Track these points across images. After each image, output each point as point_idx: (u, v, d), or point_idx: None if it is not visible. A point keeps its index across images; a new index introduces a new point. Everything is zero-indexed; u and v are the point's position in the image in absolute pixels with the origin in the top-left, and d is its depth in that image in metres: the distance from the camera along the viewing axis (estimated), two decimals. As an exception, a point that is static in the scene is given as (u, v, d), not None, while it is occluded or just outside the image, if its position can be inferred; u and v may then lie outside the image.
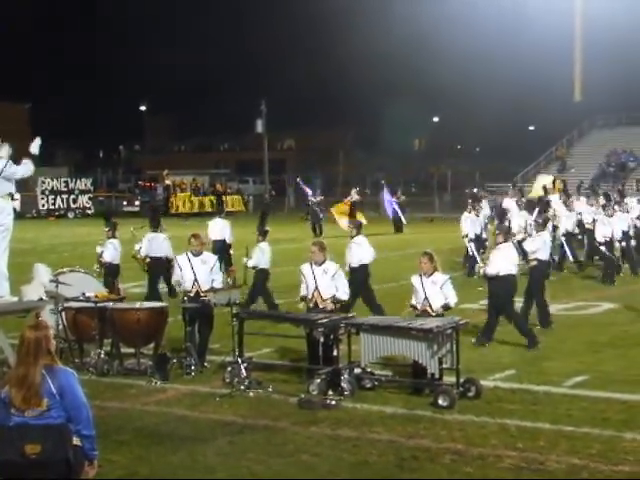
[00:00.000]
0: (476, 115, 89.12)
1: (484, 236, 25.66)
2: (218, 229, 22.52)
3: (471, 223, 24.89)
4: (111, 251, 18.98)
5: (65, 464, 6.39)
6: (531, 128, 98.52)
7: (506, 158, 79.36)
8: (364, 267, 17.17)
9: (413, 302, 12.93)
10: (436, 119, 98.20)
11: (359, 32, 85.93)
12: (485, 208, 28.38)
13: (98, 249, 19.27)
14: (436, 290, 12.69)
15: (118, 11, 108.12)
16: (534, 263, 16.57)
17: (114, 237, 19.12)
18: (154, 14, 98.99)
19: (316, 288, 13.13)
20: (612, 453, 9.58)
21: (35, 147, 13.07)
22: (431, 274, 12.81)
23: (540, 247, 16.68)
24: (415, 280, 12.90)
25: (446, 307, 12.76)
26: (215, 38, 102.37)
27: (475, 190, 35.22)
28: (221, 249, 21.28)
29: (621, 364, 13.89)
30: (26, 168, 12.72)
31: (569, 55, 70.78)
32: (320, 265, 13.22)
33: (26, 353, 6.43)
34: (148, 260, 19.15)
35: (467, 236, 24.54)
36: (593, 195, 31.90)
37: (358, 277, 16.87)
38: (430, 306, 12.68)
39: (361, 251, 17.16)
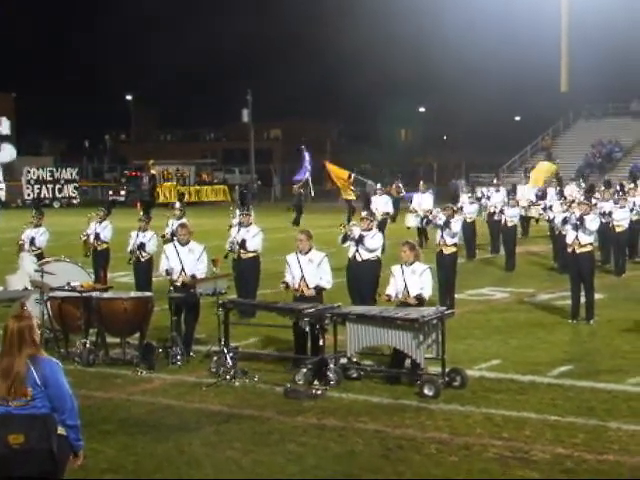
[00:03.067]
0: (462, 106, 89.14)
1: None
2: None
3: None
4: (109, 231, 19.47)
5: (49, 454, 6.37)
6: (517, 118, 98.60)
7: (492, 149, 79.41)
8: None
9: (389, 292, 12.89)
10: (422, 110, 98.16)
11: (346, 23, 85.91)
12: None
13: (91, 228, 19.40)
14: (415, 279, 12.68)
15: (104, 1, 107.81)
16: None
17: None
18: (140, 4, 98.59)
19: (302, 277, 13.13)
20: (597, 442, 9.62)
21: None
22: (412, 263, 12.80)
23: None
24: (396, 269, 12.88)
25: (419, 297, 12.59)
26: (201, 27, 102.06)
27: (458, 181, 35.46)
28: None
29: (606, 354, 13.95)
30: (9, 152, 12.62)
31: (555, 46, 70.81)
32: (306, 254, 13.22)
33: (10, 343, 6.41)
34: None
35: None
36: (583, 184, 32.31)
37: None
38: (409, 296, 12.65)
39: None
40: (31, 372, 6.36)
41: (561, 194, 27.23)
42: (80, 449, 6.59)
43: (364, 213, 16.60)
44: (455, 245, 17.75)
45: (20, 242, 18.62)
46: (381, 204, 27.39)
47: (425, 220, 20.09)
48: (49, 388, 6.40)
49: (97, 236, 19.32)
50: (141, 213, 18.88)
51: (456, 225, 17.73)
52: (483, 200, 28.94)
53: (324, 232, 23.66)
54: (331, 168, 33.75)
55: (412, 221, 27.95)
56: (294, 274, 13.23)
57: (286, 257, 13.57)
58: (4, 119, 13.55)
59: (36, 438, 6.31)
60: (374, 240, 15.74)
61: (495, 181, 31.64)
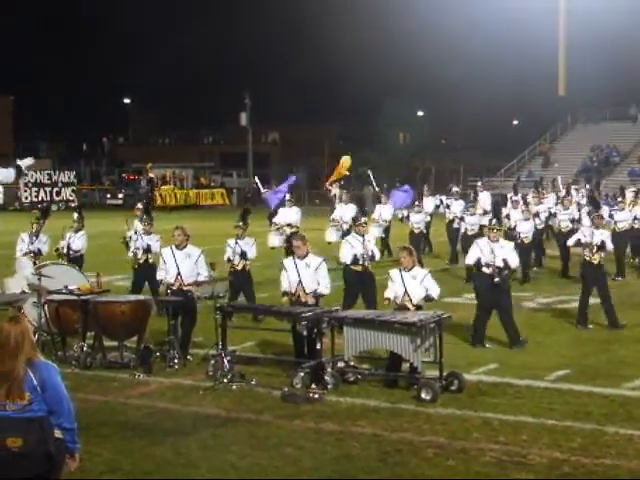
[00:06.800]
0: (460, 110, 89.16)
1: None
2: None
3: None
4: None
5: (47, 457, 6.37)
6: (515, 123, 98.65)
7: (490, 153, 79.46)
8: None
9: (389, 295, 12.92)
10: (421, 114, 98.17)
11: (345, 27, 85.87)
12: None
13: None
14: (416, 284, 12.71)
15: (102, 5, 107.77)
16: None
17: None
18: (138, 7, 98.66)
19: (299, 282, 13.13)
20: (594, 447, 9.62)
21: (25, 163, 12.88)
22: (411, 268, 12.82)
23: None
24: (394, 274, 12.90)
25: (428, 299, 12.74)
26: (200, 31, 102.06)
27: (454, 187, 34.90)
28: None
29: (603, 358, 13.96)
30: (7, 174, 12.55)
31: (553, 50, 70.86)
32: (303, 259, 13.23)
33: (7, 347, 6.39)
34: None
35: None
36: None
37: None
38: (410, 300, 12.68)
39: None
40: (29, 376, 6.36)
41: (523, 201, 26.33)
42: (76, 452, 6.59)
43: (363, 219, 16.47)
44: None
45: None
46: (385, 211, 27.36)
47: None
48: (47, 391, 6.39)
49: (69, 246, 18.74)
50: (144, 216, 18.49)
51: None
52: (441, 208, 28.71)
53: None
54: (344, 163, 33.60)
55: (374, 232, 27.38)
56: (291, 279, 13.23)
57: (283, 261, 13.61)
58: (31, 159, 13.69)
59: (34, 441, 6.31)
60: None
61: (454, 189, 30.48)
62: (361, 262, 15.75)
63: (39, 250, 17.83)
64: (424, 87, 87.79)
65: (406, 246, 13.30)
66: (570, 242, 17.71)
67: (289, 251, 23.47)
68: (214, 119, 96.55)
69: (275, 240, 24.18)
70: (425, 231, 27.22)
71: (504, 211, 25.55)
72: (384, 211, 27.57)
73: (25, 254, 17.46)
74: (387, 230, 27.65)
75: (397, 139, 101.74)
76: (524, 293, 20.49)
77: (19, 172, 12.66)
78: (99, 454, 9.32)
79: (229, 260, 16.97)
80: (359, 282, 15.88)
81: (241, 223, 16.97)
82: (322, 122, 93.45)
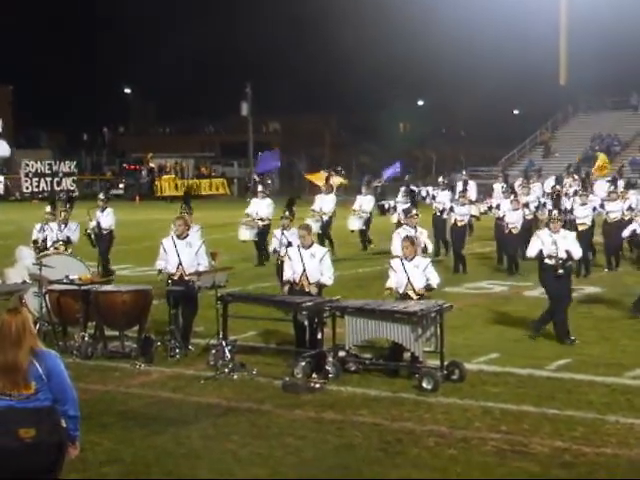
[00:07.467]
0: (461, 99, 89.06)
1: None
2: None
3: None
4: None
5: (58, 446, 6.40)
6: (516, 112, 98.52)
7: (491, 142, 79.37)
8: None
9: (391, 284, 12.92)
10: (421, 103, 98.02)
11: (346, 16, 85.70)
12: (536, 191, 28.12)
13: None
14: (419, 273, 12.70)
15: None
16: None
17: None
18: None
19: (304, 271, 13.12)
20: (595, 436, 9.63)
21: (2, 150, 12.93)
22: (412, 258, 12.81)
23: None
24: (396, 264, 12.89)
25: (428, 288, 12.74)
26: (201, 20, 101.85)
27: (462, 173, 34.77)
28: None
29: (604, 347, 13.96)
30: (2, 149, 12.59)
31: (554, 39, 70.79)
32: (308, 248, 13.22)
33: (9, 337, 6.38)
34: None
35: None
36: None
37: None
38: (413, 290, 12.68)
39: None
40: (34, 365, 6.35)
41: (511, 190, 26.06)
42: (77, 440, 6.59)
43: (414, 211, 16.12)
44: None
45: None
46: (366, 203, 27.19)
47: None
48: (52, 380, 6.39)
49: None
50: (183, 204, 18.16)
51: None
52: (428, 200, 28.48)
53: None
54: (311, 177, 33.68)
55: (355, 224, 27.22)
56: (295, 268, 13.21)
57: (288, 250, 13.60)
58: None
59: (46, 431, 6.31)
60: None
61: (441, 180, 29.43)
62: None
63: (68, 238, 17.91)
64: (425, 76, 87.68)
65: (408, 235, 13.28)
66: (625, 233, 17.93)
67: (258, 245, 23.42)
68: (215, 109, 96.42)
69: (245, 233, 23.73)
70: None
71: (494, 201, 25.55)
72: (365, 202, 27.35)
73: (55, 242, 17.56)
74: (368, 222, 27.33)
75: (398, 129, 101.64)
76: (525, 282, 20.47)
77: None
78: (100, 444, 9.33)
79: (275, 251, 16.36)
80: None
81: (287, 213, 16.14)
82: (323, 112, 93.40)
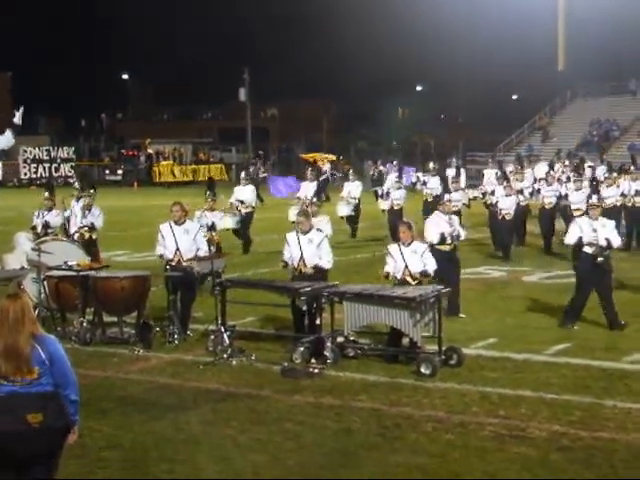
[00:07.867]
0: (459, 84, 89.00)
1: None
2: None
3: None
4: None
5: (64, 431, 6.44)
6: (514, 97, 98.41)
7: (489, 127, 79.30)
8: None
9: (389, 270, 12.92)
10: (419, 88, 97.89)
11: (344, 2, 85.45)
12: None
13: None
14: (416, 258, 12.70)
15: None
16: None
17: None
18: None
19: (301, 257, 13.13)
20: (592, 420, 9.66)
21: (19, 117, 12.93)
22: (410, 243, 12.82)
23: None
24: (394, 249, 12.89)
25: (424, 274, 12.72)
26: (199, 6, 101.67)
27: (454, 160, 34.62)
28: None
29: (602, 332, 13.98)
30: (6, 139, 12.60)
31: (553, 24, 70.66)
32: (306, 234, 13.23)
33: (10, 323, 6.39)
34: None
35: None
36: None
37: None
38: (410, 275, 12.69)
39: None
40: (37, 350, 6.37)
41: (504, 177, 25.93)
42: (76, 425, 6.61)
43: (447, 197, 15.92)
44: None
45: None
46: (354, 189, 27.14)
47: None
48: (54, 365, 6.41)
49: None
50: (207, 191, 18.08)
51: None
52: (418, 185, 28.34)
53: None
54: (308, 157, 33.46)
55: (344, 210, 27.07)
56: (293, 253, 13.23)
57: (286, 235, 13.60)
58: (21, 109, 13.28)
59: (53, 416, 6.34)
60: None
61: (432, 165, 29.36)
62: (449, 241, 15.01)
63: (92, 224, 17.74)
64: (424, 62, 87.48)
65: (405, 220, 13.28)
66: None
67: (238, 233, 23.05)
68: (213, 94, 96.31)
69: (228, 221, 22.47)
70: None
71: (488, 187, 25.39)
72: (353, 189, 27.28)
73: (80, 228, 17.46)
74: (356, 208, 27.20)
75: (396, 114, 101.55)
76: (523, 268, 20.50)
77: (16, 130, 12.69)
78: (99, 430, 9.35)
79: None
80: (448, 261, 14.69)
81: (315, 199, 16.35)
82: (321, 97, 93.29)
